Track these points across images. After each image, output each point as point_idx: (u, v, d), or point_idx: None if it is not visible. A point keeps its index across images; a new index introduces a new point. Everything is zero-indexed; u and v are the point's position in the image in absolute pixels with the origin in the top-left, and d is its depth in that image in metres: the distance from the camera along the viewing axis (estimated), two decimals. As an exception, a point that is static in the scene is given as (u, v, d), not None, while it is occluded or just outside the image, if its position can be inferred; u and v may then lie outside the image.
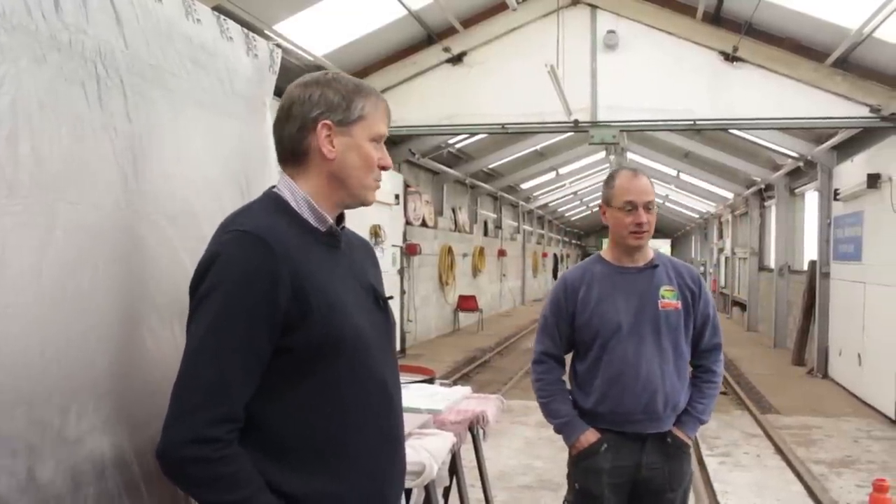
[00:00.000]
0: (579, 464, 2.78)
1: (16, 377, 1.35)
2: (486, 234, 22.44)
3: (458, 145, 15.97)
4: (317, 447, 1.54)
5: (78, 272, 1.50)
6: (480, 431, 4.17)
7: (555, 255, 38.55)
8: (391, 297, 1.77)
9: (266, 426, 1.51)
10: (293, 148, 1.62)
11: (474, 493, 4.27)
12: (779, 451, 7.13)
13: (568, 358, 2.92)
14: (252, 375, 1.47)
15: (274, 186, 1.67)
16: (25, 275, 1.38)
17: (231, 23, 2.32)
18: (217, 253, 1.49)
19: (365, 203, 1.70)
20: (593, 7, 9.56)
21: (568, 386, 2.90)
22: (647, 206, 2.70)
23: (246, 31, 2.43)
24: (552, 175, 23.23)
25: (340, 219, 1.73)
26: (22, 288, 1.37)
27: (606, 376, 2.71)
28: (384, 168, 1.68)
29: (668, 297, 2.74)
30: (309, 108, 1.60)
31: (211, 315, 1.45)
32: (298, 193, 1.62)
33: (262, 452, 1.49)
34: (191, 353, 1.46)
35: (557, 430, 2.84)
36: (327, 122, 1.59)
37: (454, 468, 3.70)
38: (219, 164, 2.10)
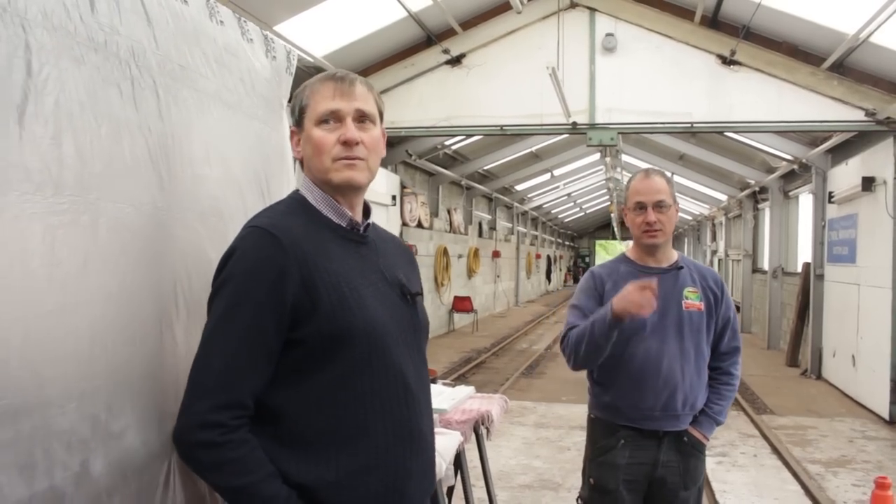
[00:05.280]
0: (596, 458, 2.82)
1: (69, 373, 1.38)
2: (480, 235, 22.46)
3: (454, 147, 15.97)
4: (331, 438, 1.55)
5: (121, 270, 1.53)
6: (484, 431, 4.20)
7: (548, 257, 38.52)
8: (419, 294, 1.79)
9: (282, 417, 1.54)
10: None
11: (476, 493, 4.29)
12: (775, 450, 7.19)
13: None
14: (260, 364, 1.51)
15: (298, 189, 1.75)
16: (75, 273, 1.40)
17: (251, 25, 2.35)
18: (234, 248, 1.57)
19: (336, 183, 1.64)
20: (592, 10, 9.58)
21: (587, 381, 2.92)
22: (658, 206, 2.73)
23: (265, 32, 2.45)
24: (547, 177, 23.28)
25: (367, 213, 1.77)
26: (73, 286, 1.39)
27: (628, 373, 2.74)
28: (346, 142, 1.62)
29: (692, 298, 2.79)
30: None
31: (222, 306, 1.53)
32: (317, 191, 1.69)
33: (279, 443, 1.52)
34: (203, 342, 1.53)
35: (606, 326, 2.57)
36: (293, 128, 1.74)
37: (459, 467, 3.73)
38: (243, 163, 2.12)
